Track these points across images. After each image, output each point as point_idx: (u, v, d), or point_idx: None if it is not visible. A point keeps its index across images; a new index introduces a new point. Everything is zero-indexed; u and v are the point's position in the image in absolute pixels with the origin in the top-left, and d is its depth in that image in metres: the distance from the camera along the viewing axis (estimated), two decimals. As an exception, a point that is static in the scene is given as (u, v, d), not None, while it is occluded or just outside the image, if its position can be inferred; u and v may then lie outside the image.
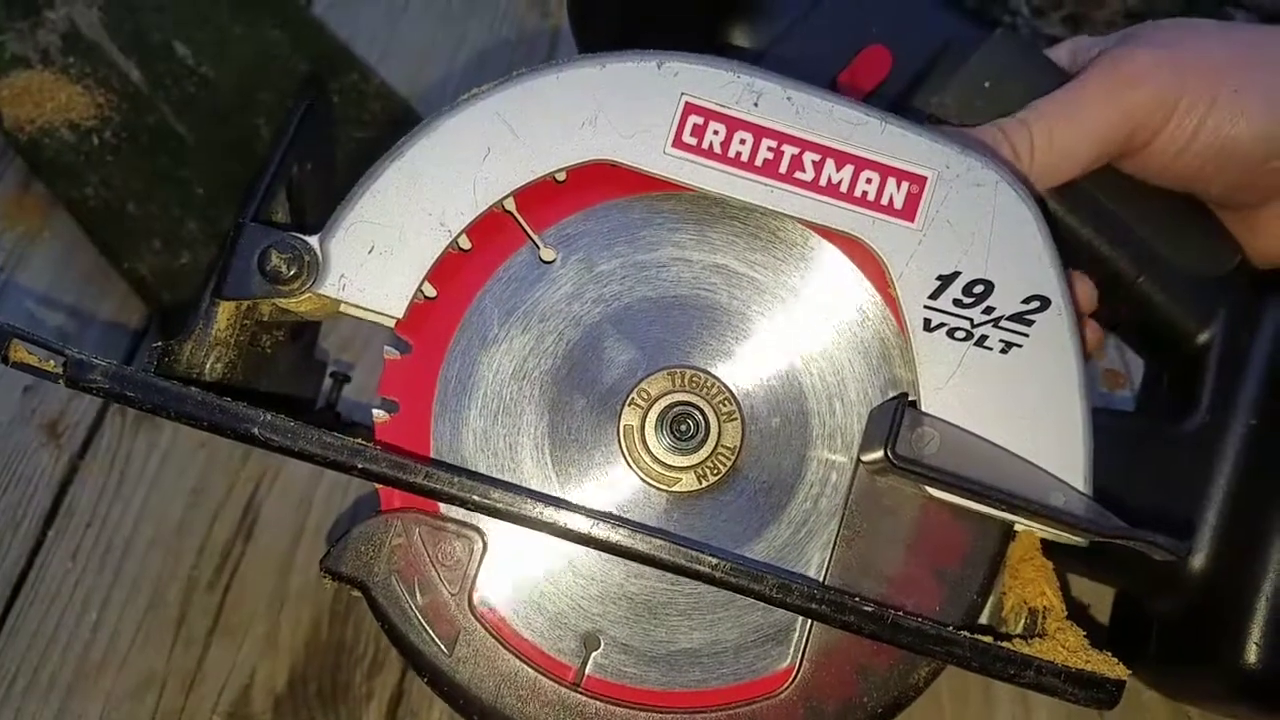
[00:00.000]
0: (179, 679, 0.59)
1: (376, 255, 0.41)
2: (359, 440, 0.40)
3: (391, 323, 0.42)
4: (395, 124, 0.86)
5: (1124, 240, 0.47)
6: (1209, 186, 0.46)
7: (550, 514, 0.40)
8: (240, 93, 0.86)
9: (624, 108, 0.39)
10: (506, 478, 0.43)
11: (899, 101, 0.47)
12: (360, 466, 0.39)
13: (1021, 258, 0.39)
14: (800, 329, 0.43)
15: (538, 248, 0.43)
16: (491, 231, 0.42)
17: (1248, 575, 0.45)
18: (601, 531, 0.40)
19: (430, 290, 0.43)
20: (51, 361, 0.39)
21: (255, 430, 0.39)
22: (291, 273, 0.40)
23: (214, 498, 0.67)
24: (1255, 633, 0.45)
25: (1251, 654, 0.45)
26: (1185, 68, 0.44)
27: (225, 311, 0.42)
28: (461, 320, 0.43)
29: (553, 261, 0.43)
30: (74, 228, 0.80)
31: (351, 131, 0.86)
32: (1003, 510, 0.40)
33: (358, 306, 0.41)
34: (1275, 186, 0.46)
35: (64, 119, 0.81)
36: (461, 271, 0.43)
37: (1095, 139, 0.44)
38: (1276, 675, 0.45)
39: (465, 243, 0.42)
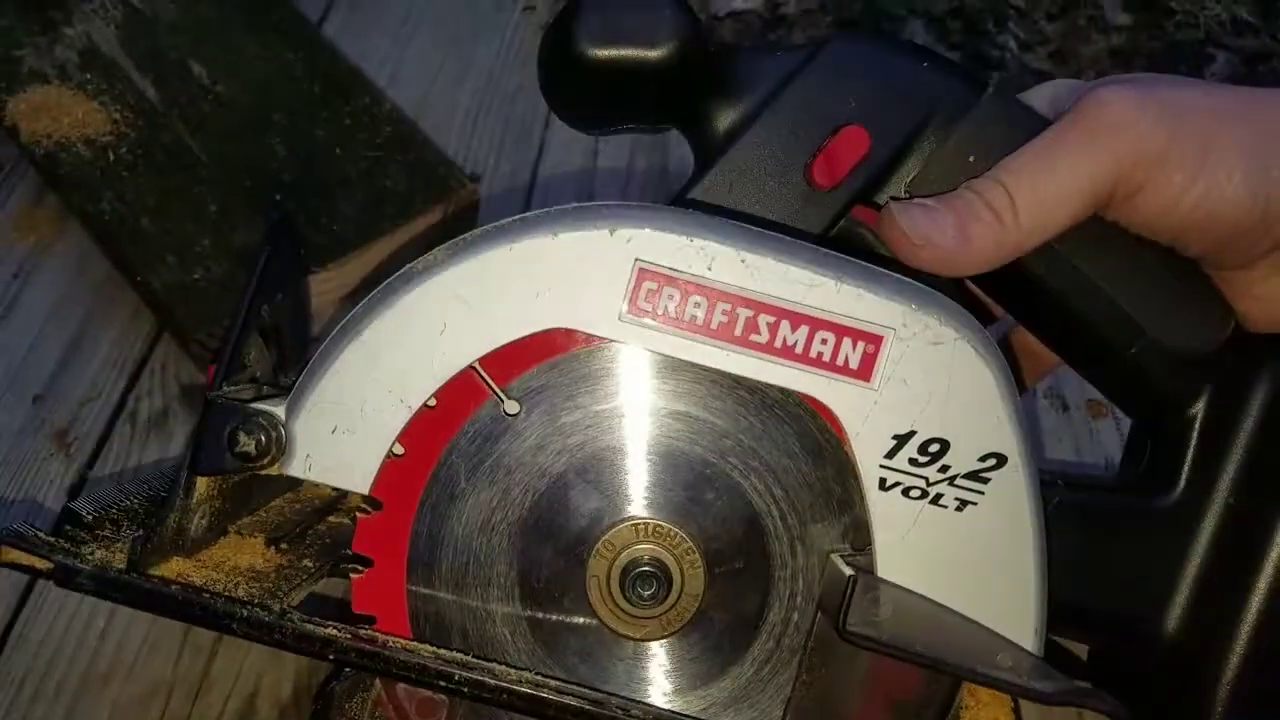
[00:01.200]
0: (185, 687, 0.57)
1: (340, 434, 0.39)
2: (332, 627, 0.40)
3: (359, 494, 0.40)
4: (405, 148, 0.84)
5: (1115, 313, 0.44)
6: (1192, 244, 0.43)
7: (520, 692, 0.40)
8: (254, 112, 0.81)
9: (577, 277, 0.38)
10: (478, 629, 0.42)
11: (878, 180, 0.43)
12: (333, 657, 0.40)
13: (978, 416, 0.37)
14: (762, 473, 0.41)
15: (501, 401, 0.41)
16: (456, 387, 0.40)
17: (1214, 657, 0.44)
18: (571, 708, 0.40)
19: (398, 449, 0.40)
20: (43, 561, 0.39)
21: (234, 625, 0.39)
22: (259, 451, 0.40)
23: None
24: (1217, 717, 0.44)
25: None
26: (1172, 117, 0.40)
27: (203, 482, 0.41)
28: (429, 476, 0.41)
29: (517, 414, 0.41)
30: (86, 240, 0.76)
31: (363, 152, 0.83)
32: (950, 670, 0.40)
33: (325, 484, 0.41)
34: (1263, 249, 0.42)
35: (80, 134, 0.77)
36: (428, 429, 0.41)
37: (1079, 191, 0.40)
38: None
39: (431, 400, 0.40)
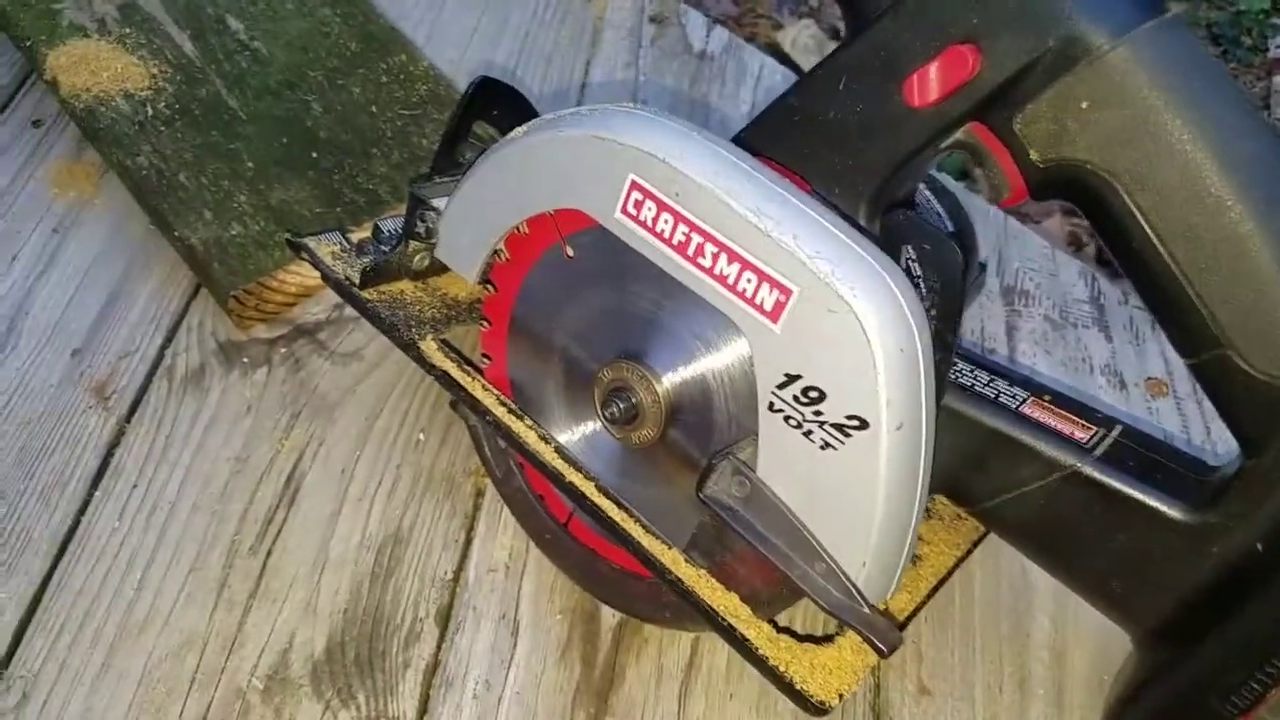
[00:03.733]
0: (220, 640, 0.57)
1: (462, 232, 0.55)
2: (450, 360, 0.58)
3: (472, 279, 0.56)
4: (441, 106, 0.84)
5: (1193, 312, 0.40)
6: None
7: (523, 441, 0.54)
8: (291, 69, 0.82)
9: (595, 174, 0.46)
10: (536, 387, 0.58)
11: (987, 104, 0.41)
12: (435, 376, 0.57)
13: (854, 382, 0.41)
14: (717, 349, 0.48)
15: (564, 245, 0.51)
16: (540, 223, 0.52)
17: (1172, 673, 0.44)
18: (549, 467, 0.53)
19: (506, 254, 0.54)
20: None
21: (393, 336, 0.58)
22: (427, 233, 0.58)
23: (258, 465, 0.64)
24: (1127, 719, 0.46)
25: None
26: None
27: (412, 243, 0.59)
28: (522, 279, 0.55)
29: (573, 258, 0.51)
30: (124, 196, 0.76)
31: (399, 110, 0.83)
32: (774, 557, 0.45)
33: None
34: None
35: (119, 88, 0.77)
36: (522, 247, 0.53)
37: None
38: None
39: (524, 227, 0.52)
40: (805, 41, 1.61)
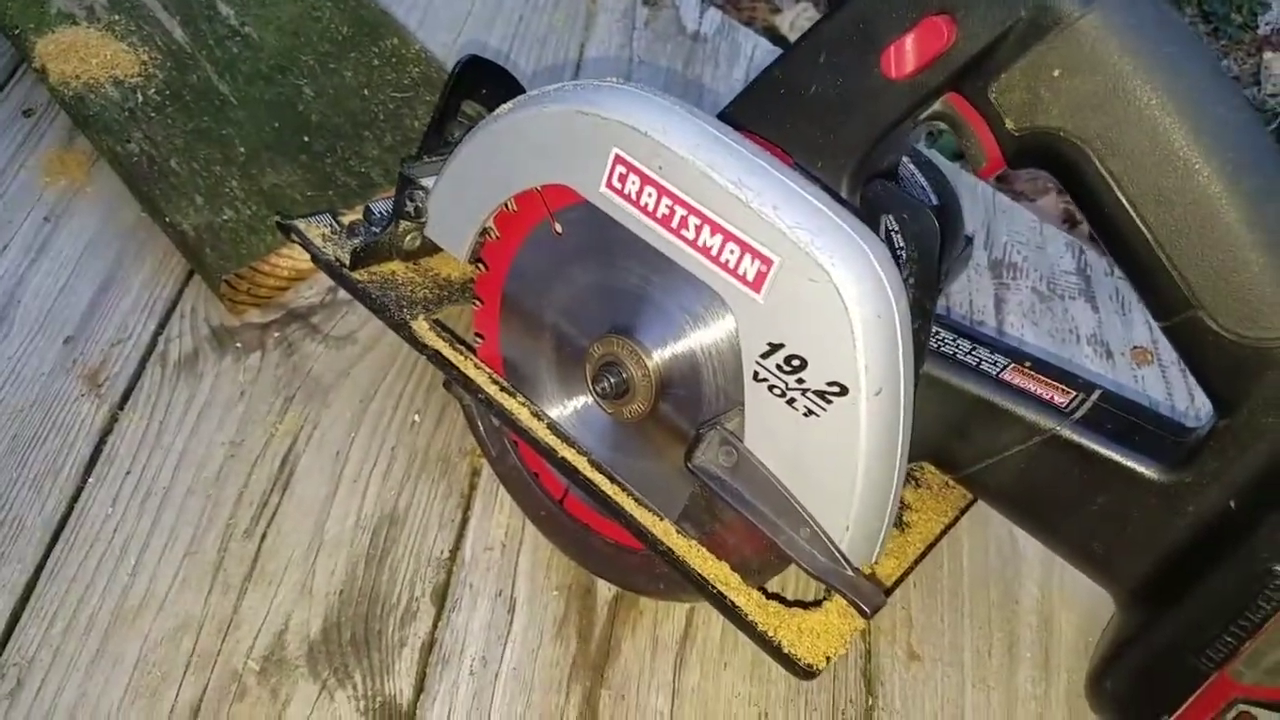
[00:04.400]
0: (215, 623, 0.57)
1: (451, 210, 0.55)
2: (443, 339, 0.57)
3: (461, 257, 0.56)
4: (433, 89, 0.84)
5: (1166, 275, 0.40)
6: None
7: (517, 420, 0.54)
8: (282, 54, 0.82)
9: (579, 148, 0.46)
10: (529, 364, 0.58)
11: (962, 74, 0.41)
12: (427, 356, 0.57)
13: (833, 349, 0.41)
14: (704, 322, 0.48)
15: (553, 222, 0.51)
16: (527, 200, 0.52)
17: (1152, 631, 0.45)
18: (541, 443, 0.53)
19: (496, 232, 0.54)
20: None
21: (384, 317, 0.58)
22: (417, 212, 0.57)
23: (252, 449, 0.65)
24: (1109, 677, 0.47)
25: (1106, 682, 0.48)
26: None
27: (402, 223, 0.59)
28: (512, 256, 0.54)
29: (562, 235, 0.51)
30: (116, 183, 0.77)
31: (391, 93, 0.82)
32: (761, 524, 0.46)
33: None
34: None
35: (109, 75, 0.78)
36: (511, 224, 0.53)
37: None
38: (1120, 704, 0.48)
39: (512, 204, 0.51)
40: (802, 25, 1.60)
